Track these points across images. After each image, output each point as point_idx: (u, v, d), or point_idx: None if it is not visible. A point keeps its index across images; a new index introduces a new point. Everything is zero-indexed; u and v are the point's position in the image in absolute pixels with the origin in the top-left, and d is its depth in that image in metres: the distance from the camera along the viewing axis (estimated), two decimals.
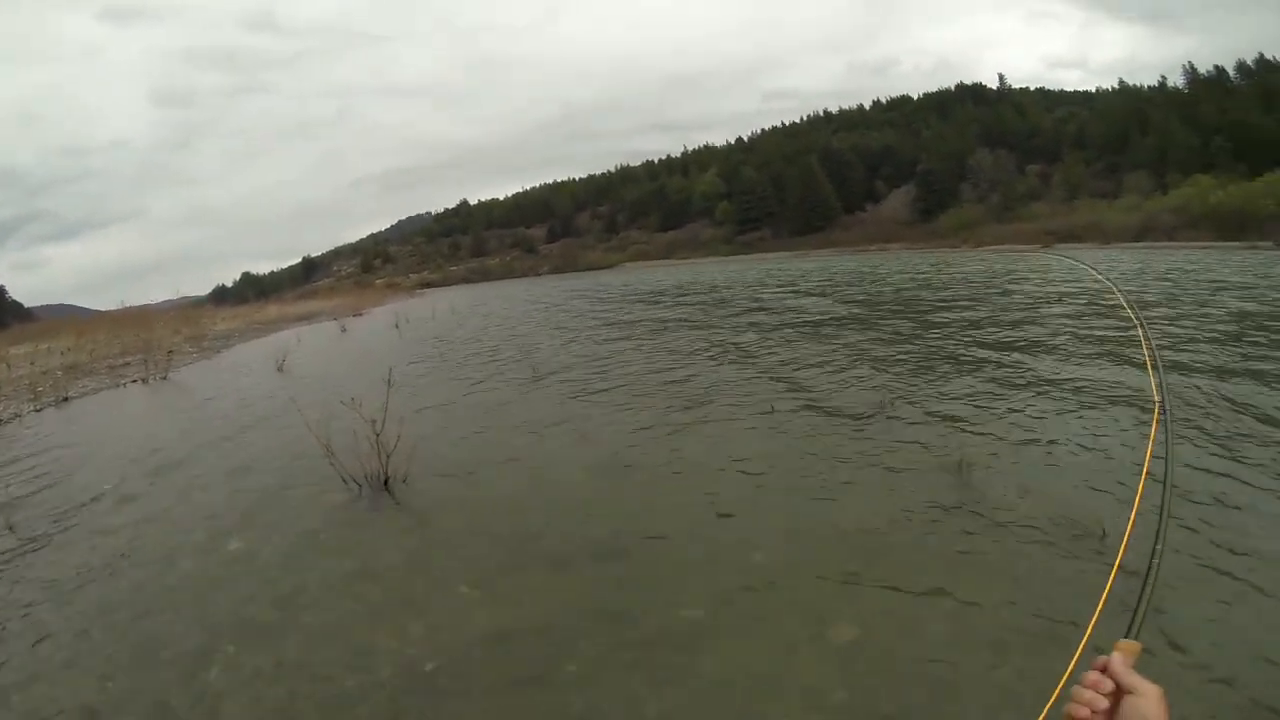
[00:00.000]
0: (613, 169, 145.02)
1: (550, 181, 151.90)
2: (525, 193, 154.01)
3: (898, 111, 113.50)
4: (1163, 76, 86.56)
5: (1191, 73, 80.00)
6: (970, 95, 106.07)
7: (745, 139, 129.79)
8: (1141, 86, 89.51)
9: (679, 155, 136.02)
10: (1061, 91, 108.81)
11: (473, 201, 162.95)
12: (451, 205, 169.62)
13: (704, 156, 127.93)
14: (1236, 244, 46.68)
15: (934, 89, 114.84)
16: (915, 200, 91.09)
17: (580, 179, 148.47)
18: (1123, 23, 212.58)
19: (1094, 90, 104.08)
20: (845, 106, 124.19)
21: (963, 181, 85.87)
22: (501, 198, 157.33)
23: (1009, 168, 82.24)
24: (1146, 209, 60.40)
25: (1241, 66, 74.90)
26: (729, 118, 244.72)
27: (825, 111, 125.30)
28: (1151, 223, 56.62)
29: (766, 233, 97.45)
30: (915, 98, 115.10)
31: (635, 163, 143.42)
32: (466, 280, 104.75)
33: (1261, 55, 73.53)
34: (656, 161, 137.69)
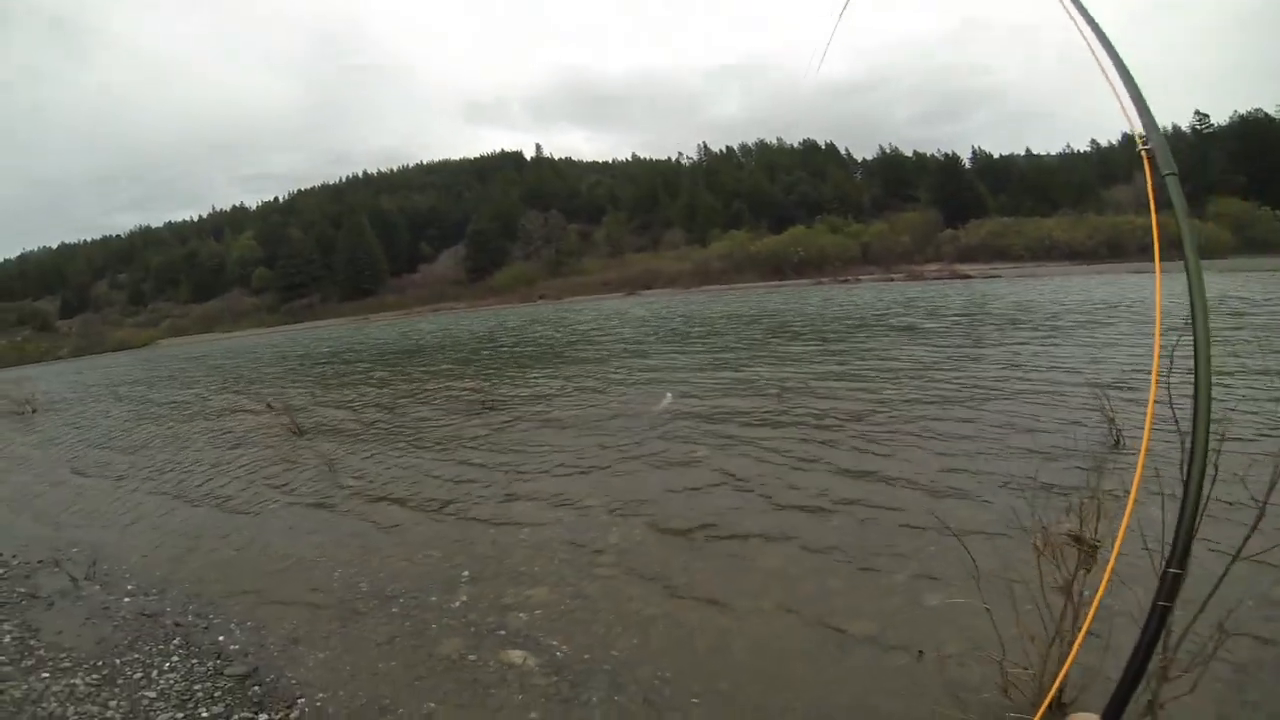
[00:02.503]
0: (134, 228, 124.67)
1: (60, 243, 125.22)
2: (29, 256, 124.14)
3: (438, 174, 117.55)
4: (680, 151, 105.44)
5: (705, 149, 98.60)
6: (510, 162, 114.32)
7: (282, 199, 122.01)
8: (654, 159, 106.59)
9: (209, 216, 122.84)
10: (584, 161, 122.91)
11: None
12: None
13: (238, 218, 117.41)
14: (783, 282, 58.57)
15: (474, 155, 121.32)
16: (465, 259, 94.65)
17: (95, 240, 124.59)
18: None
19: (611, 161, 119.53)
20: (384, 169, 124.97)
21: (513, 241, 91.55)
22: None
23: (559, 226, 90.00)
24: (693, 258, 70.90)
25: (744, 147, 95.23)
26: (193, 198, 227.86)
27: (365, 173, 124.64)
28: (705, 269, 66.62)
29: (315, 299, 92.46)
30: (456, 160, 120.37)
31: (157, 224, 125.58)
32: None
33: (761, 139, 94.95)
34: (188, 221, 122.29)
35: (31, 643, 5.25)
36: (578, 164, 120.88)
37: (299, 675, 4.32)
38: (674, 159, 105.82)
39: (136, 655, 4.86)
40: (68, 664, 4.84)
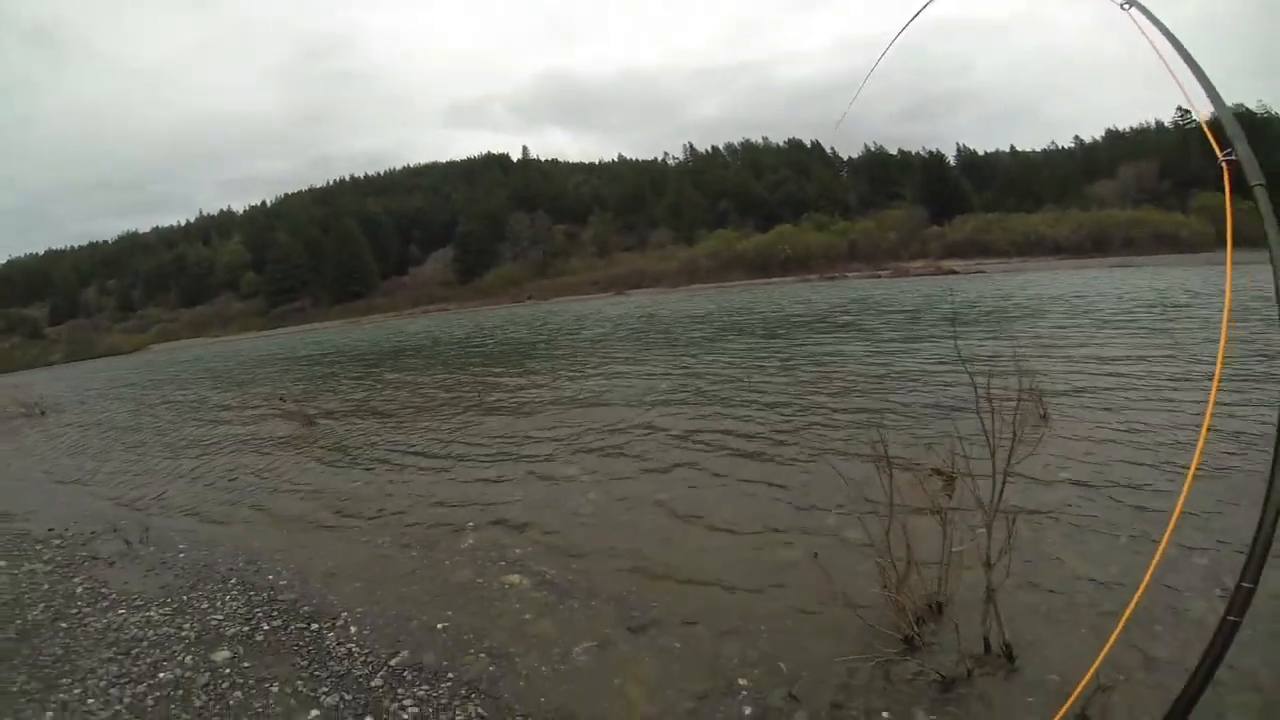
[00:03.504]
0: (121, 234, 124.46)
1: (47, 249, 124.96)
2: (16, 261, 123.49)
3: (426, 176, 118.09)
4: (665, 151, 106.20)
5: (691, 149, 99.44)
6: (497, 164, 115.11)
7: (269, 203, 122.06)
8: (639, 159, 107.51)
9: (196, 220, 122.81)
10: (570, 162, 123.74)
11: None
12: None
13: (225, 222, 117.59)
14: (770, 279, 59.27)
15: (460, 157, 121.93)
16: (455, 261, 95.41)
17: (82, 246, 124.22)
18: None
19: (598, 162, 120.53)
20: (371, 173, 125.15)
21: (502, 242, 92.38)
22: None
23: (546, 227, 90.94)
24: (680, 257, 71.71)
25: (729, 147, 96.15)
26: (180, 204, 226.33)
27: (352, 176, 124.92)
28: (692, 268, 67.47)
29: (305, 302, 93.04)
30: (443, 162, 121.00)
31: (144, 229, 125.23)
32: None
33: (746, 139, 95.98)
34: (175, 225, 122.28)
35: (103, 590, 6.37)
36: (564, 165, 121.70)
37: (339, 599, 5.52)
38: (660, 159, 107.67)
39: (200, 593, 6.01)
40: (140, 603, 5.97)
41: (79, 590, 6.42)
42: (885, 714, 3.51)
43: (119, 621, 5.60)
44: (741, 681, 3.93)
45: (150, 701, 4.34)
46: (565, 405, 12.74)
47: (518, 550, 6.06)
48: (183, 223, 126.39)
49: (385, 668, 4.48)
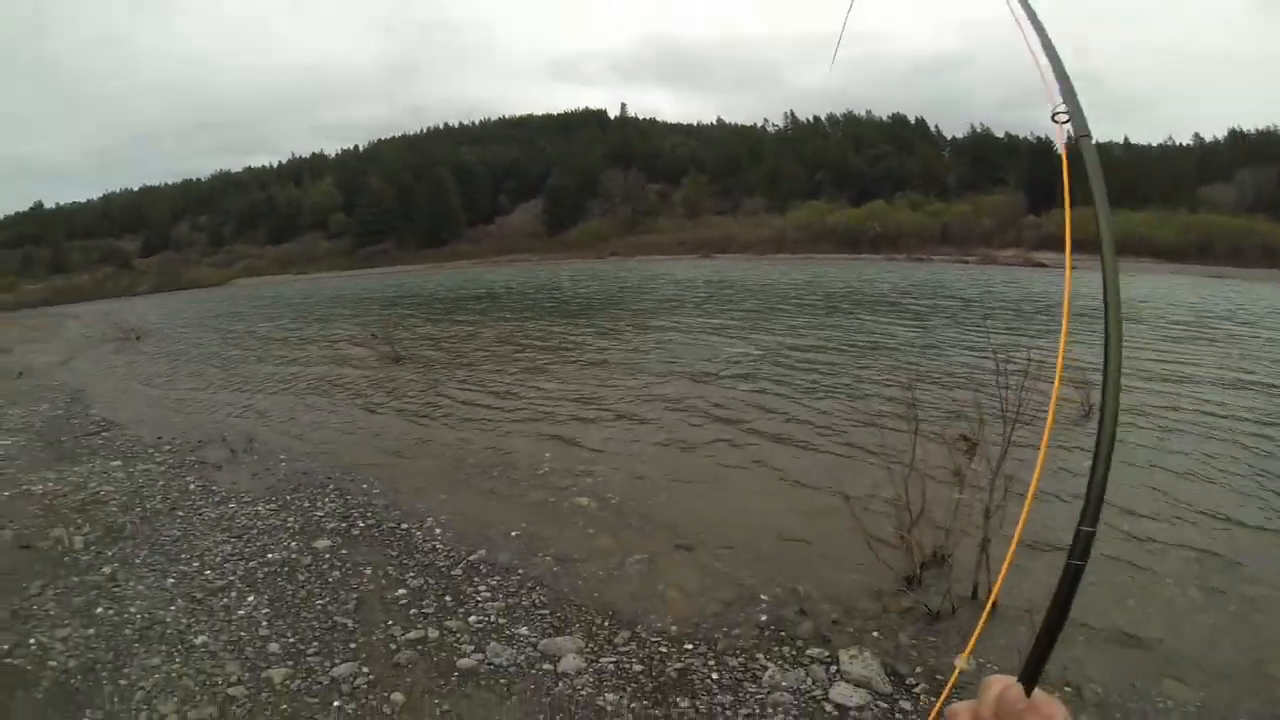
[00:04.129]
0: (215, 172, 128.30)
1: (143, 186, 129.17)
2: (114, 197, 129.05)
3: (522, 129, 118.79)
4: (765, 118, 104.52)
5: (792, 118, 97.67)
6: (594, 119, 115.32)
7: (361, 148, 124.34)
8: (739, 124, 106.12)
9: (288, 162, 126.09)
10: (666, 123, 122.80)
11: (49, 205, 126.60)
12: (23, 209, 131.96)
13: (317, 164, 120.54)
14: (858, 255, 58.47)
15: (557, 111, 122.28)
16: (544, 213, 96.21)
17: (176, 184, 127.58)
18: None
19: (695, 124, 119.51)
20: (466, 122, 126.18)
21: (593, 197, 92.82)
22: (85, 201, 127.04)
23: (639, 185, 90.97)
24: (772, 226, 71.00)
25: (831, 118, 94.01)
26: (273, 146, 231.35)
27: (446, 124, 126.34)
28: (781, 237, 66.84)
29: (390, 246, 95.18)
30: (539, 115, 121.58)
31: (237, 168, 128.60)
32: (47, 303, 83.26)
33: (850, 110, 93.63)
34: (268, 166, 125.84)
35: (213, 488, 7.20)
36: (661, 124, 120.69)
37: (427, 507, 6.26)
38: (759, 125, 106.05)
39: (301, 495, 6.78)
40: (248, 499, 6.76)
41: (192, 487, 7.26)
42: (875, 634, 4.14)
43: (230, 513, 6.40)
44: (763, 596, 4.60)
45: (260, 575, 5.07)
46: (636, 361, 13.47)
47: (588, 479, 6.76)
48: (275, 164, 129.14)
49: (464, 561, 5.16)
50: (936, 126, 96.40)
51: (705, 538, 5.46)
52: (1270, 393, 10.02)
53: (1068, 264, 1.36)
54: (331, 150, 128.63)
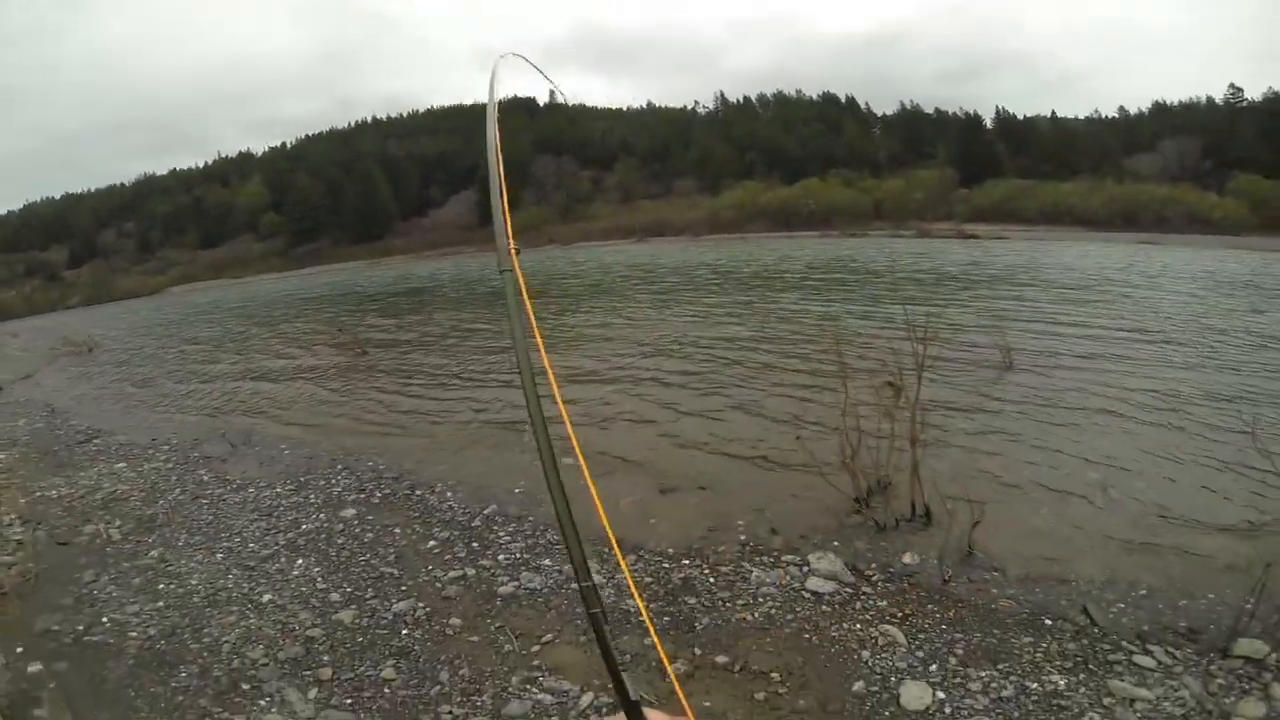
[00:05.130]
0: (139, 176, 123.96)
1: (65, 193, 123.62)
2: (35, 206, 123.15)
3: (451, 120, 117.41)
4: (696, 101, 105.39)
5: (722, 99, 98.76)
6: (523, 108, 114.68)
7: (289, 145, 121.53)
8: (669, 108, 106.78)
9: (215, 162, 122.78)
10: (597, 108, 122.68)
11: None
12: None
13: (244, 164, 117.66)
14: (793, 233, 59.75)
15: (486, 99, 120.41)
16: (476, 204, 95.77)
17: (100, 190, 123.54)
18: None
19: (626, 109, 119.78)
20: (394, 114, 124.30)
21: (525, 186, 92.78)
22: (4, 213, 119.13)
23: (571, 172, 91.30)
24: (705, 208, 71.98)
25: (761, 98, 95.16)
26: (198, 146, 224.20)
27: (374, 118, 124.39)
28: (715, 218, 67.87)
29: (325, 243, 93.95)
30: (468, 105, 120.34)
31: (162, 171, 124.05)
32: None
33: (780, 91, 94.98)
34: (194, 167, 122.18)
35: (227, 477, 7.73)
36: (591, 110, 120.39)
37: (432, 475, 7.02)
38: (690, 108, 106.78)
39: (314, 475, 7.40)
40: (265, 484, 7.33)
41: (206, 478, 7.77)
42: (835, 542, 5.13)
43: (252, 496, 6.98)
44: (739, 522, 5.54)
45: (301, 542, 5.71)
46: (592, 337, 14.52)
47: (570, 442, 7.46)
48: (201, 165, 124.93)
49: (480, 515, 5.93)
50: (867, 104, 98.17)
51: (683, 482, 6.38)
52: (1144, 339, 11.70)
53: None
54: (259, 148, 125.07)
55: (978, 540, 4.79)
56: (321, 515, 6.23)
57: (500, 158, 1.34)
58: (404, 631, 4.30)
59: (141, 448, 9.49)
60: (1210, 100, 79.27)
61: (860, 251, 38.47)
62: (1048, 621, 4.08)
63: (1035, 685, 3.50)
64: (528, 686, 3.76)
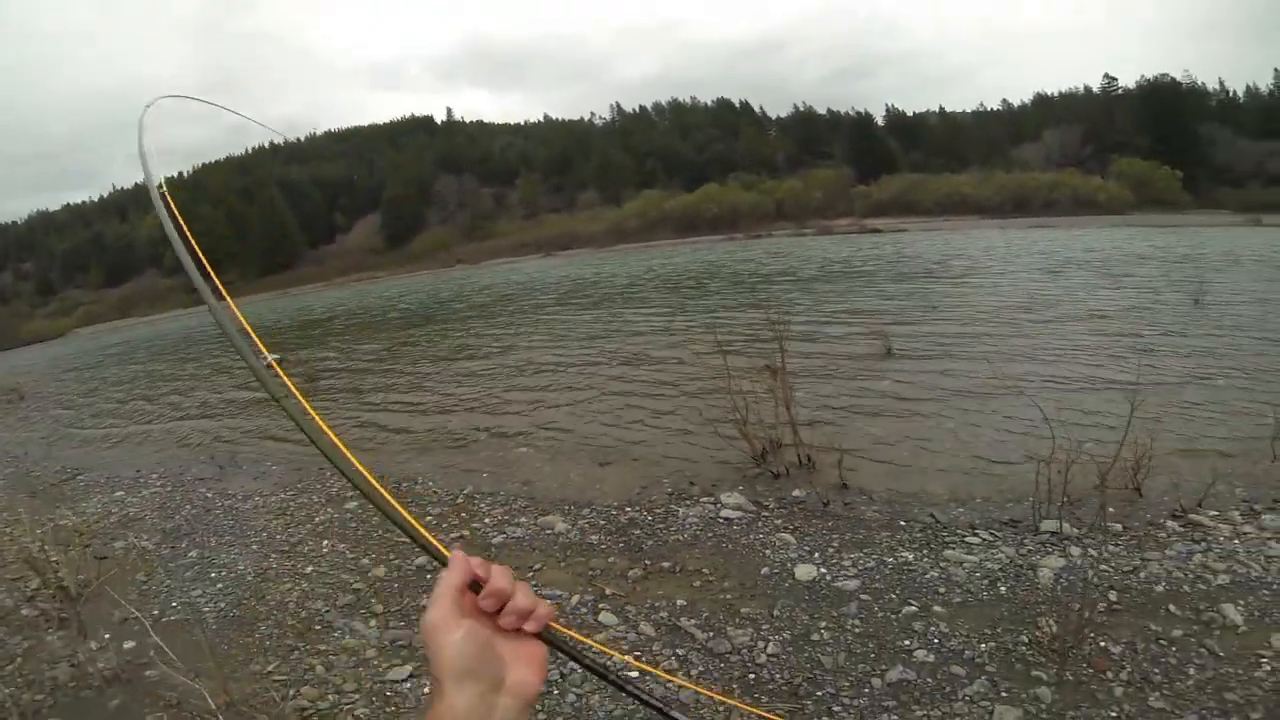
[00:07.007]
0: (32, 213, 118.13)
1: None
2: None
3: (349, 142, 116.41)
4: (592, 111, 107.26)
5: (619, 109, 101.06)
6: (421, 127, 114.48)
7: (187, 174, 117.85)
8: (566, 120, 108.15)
9: (110, 195, 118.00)
10: (495, 124, 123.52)
11: None
12: None
13: (141, 195, 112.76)
14: (698, 239, 61.91)
15: (383, 120, 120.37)
16: (382, 227, 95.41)
17: None
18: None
19: (523, 123, 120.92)
20: (291, 139, 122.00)
21: (429, 206, 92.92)
22: None
23: (473, 190, 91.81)
24: (608, 218, 73.61)
25: (657, 106, 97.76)
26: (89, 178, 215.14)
27: (271, 143, 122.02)
28: (620, 228, 69.58)
29: (233, 275, 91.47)
30: (366, 126, 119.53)
31: (55, 206, 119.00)
32: None
33: (675, 98, 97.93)
34: (88, 201, 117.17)
35: (229, 491, 8.87)
36: (490, 126, 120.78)
37: (413, 470, 8.52)
38: (586, 119, 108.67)
39: (309, 481, 8.67)
40: (267, 491, 8.53)
41: (209, 495, 8.83)
42: (740, 488, 6.82)
43: (261, 502, 8.16)
44: (664, 480, 7.30)
45: (322, 529, 7.04)
46: (510, 352, 16.45)
47: (519, 436, 9.36)
48: (96, 199, 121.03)
49: (462, 494, 7.43)
50: (761, 108, 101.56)
51: (616, 455, 8.13)
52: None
53: None
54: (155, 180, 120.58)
55: (851, 477, 6.58)
56: (329, 509, 7.49)
57: (187, 230, 1.21)
58: (429, 576, 5.70)
59: (131, 479, 10.28)
60: (1088, 89, 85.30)
61: (747, 253, 41.08)
62: (902, 523, 5.78)
63: (890, 560, 5.17)
64: None
